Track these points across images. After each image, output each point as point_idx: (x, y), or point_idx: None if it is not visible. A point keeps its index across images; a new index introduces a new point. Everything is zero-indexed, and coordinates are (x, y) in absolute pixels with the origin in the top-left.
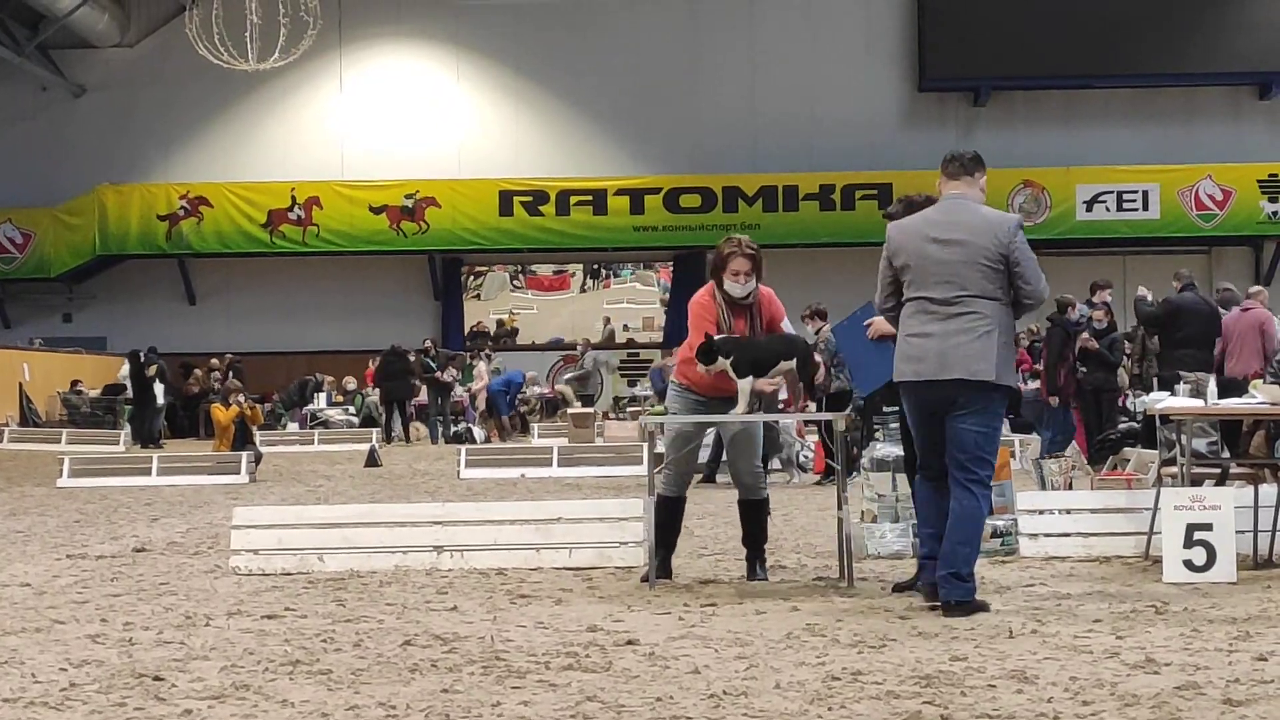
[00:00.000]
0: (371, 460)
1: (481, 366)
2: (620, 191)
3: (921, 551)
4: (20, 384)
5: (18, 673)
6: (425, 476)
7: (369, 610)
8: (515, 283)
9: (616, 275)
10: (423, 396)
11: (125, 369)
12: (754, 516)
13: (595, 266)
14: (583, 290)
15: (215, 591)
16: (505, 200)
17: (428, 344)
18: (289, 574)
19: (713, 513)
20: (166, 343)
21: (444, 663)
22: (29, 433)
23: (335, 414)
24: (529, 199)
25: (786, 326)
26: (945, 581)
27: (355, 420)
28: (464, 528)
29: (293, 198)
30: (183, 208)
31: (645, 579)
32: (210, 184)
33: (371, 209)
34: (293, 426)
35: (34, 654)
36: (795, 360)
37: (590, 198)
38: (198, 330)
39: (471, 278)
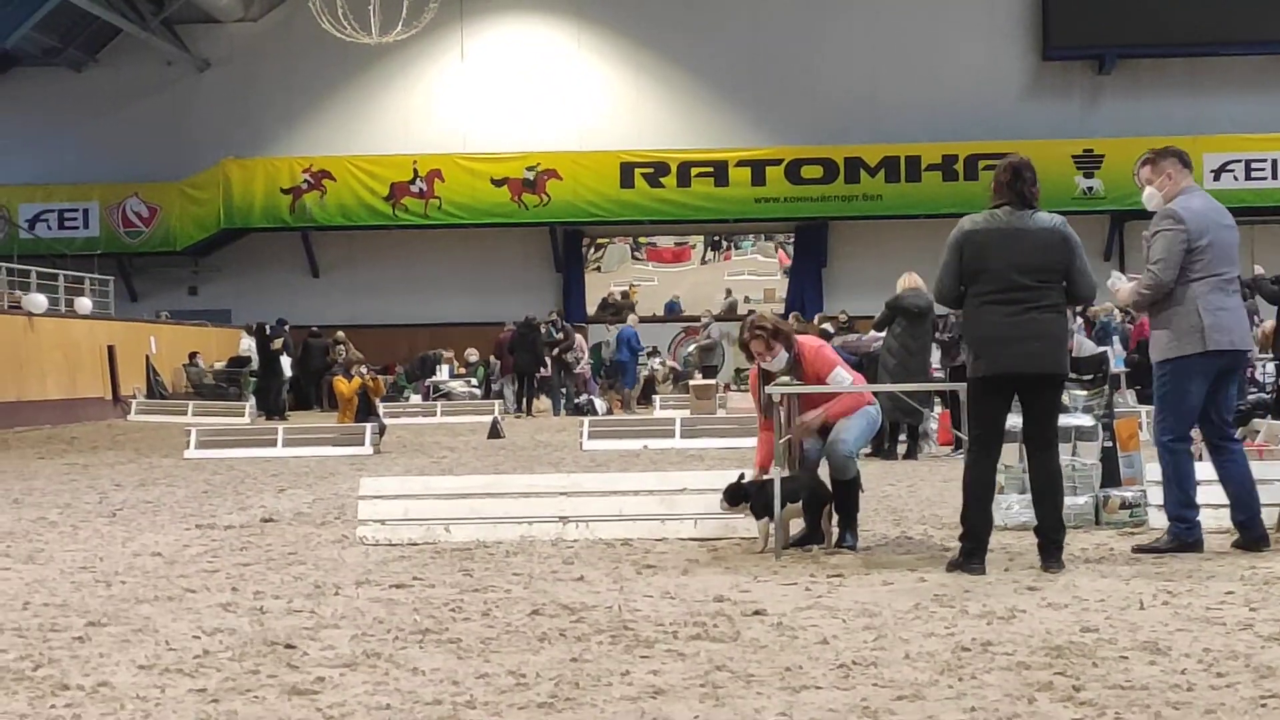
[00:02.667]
0: (494, 432)
1: (580, 339)
2: (741, 163)
3: (1190, 514)
4: (147, 356)
5: (151, 640)
6: (548, 448)
7: (496, 580)
8: (636, 254)
9: (737, 247)
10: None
11: (248, 341)
12: (844, 493)
13: (716, 238)
14: (703, 262)
15: (343, 561)
16: (626, 172)
17: (553, 316)
18: (415, 544)
19: None
20: (289, 315)
21: (572, 632)
22: (156, 405)
23: (458, 386)
24: (650, 170)
25: (837, 376)
26: (1251, 524)
27: (478, 392)
28: (589, 499)
29: (415, 170)
30: (306, 181)
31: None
32: (333, 157)
33: (493, 181)
34: (415, 399)
35: (167, 622)
36: (800, 503)
37: (711, 169)
38: (320, 303)
39: (592, 250)
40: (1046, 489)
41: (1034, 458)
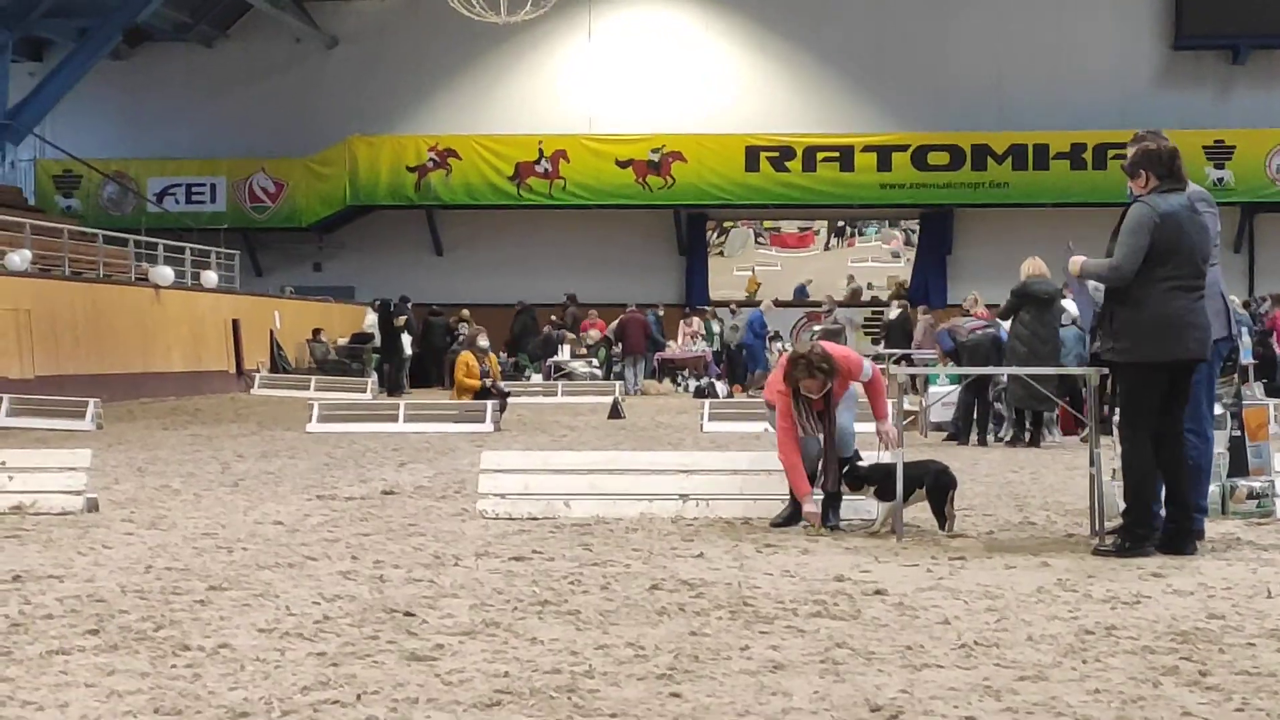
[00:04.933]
0: (615, 412)
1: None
2: (867, 148)
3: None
4: (271, 331)
5: (272, 605)
6: (668, 429)
7: (615, 555)
8: (759, 239)
9: (861, 233)
10: (668, 352)
11: (371, 318)
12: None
13: (840, 224)
14: (826, 248)
15: (463, 534)
16: (751, 155)
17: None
18: (535, 518)
19: (958, 469)
20: (413, 293)
21: (691, 607)
22: (279, 379)
23: (579, 366)
24: (775, 154)
25: (863, 374)
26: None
27: (599, 373)
28: (709, 476)
29: (540, 151)
30: (431, 159)
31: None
32: (458, 136)
33: (618, 163)
34: (537, 378)
35: (287, 588)
36: (925, 488)
37: (837, 154)
38: (444, 281)
39: (715, 234)
40: (1194, 473)
41: (1177, 444)
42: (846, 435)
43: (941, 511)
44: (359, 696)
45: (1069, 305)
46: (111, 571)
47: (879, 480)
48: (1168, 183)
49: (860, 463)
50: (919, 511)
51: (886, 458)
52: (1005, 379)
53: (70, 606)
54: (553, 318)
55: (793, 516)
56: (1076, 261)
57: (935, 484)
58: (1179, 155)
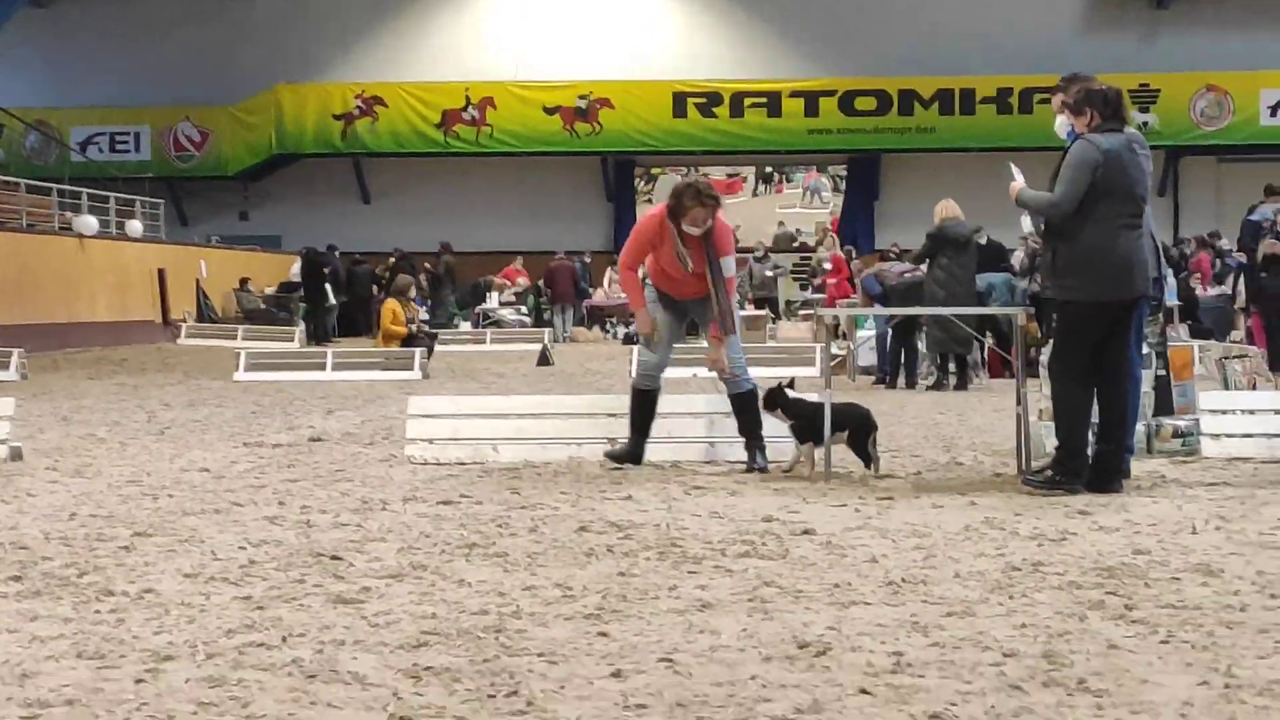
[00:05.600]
0: (544, 359)
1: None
2: (795, 94)
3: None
4: (198, 280)
5: (198, 550)
6: (597, 375)
7: (544, 498)
8: None
9: (789, 180)
10: (597, 299)
11: (297, 267)
12: (744, 408)
13: (768, 170)
14: (754, 194)
15: (390, 479)
16: (679, 102)
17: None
18: (463, 464)
19: (885, 411)
20: (341, 241)
21: (620, 548)
22: (206, 328)
23: (508, 314)
24: (703, 101)
25: (729, 263)
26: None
27: (528, 320)
28: None
29: (467, 98)
30: (358, 107)
31: (613, 456)
32: (385, 84)
33: (545, 110)
34: (465, 326)
35: (213, 533)
36: (848, 432)
37: (765, 100)
38: (371, 229)
39: (643, 181)
40: (1125, 413)
41: (1115, 383)
42: (735, 353)
43: (866, 453)
44: (285, 639)
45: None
46: (35, 519)
47: (797, 417)
48: (1110, 123)
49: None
50: (844, 454)
51: (814, 398)
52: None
53: None
54: (426, 265)
55: (632, 453)
56: (1014, 187)
57: (859, 428)
58: (1123, 96)
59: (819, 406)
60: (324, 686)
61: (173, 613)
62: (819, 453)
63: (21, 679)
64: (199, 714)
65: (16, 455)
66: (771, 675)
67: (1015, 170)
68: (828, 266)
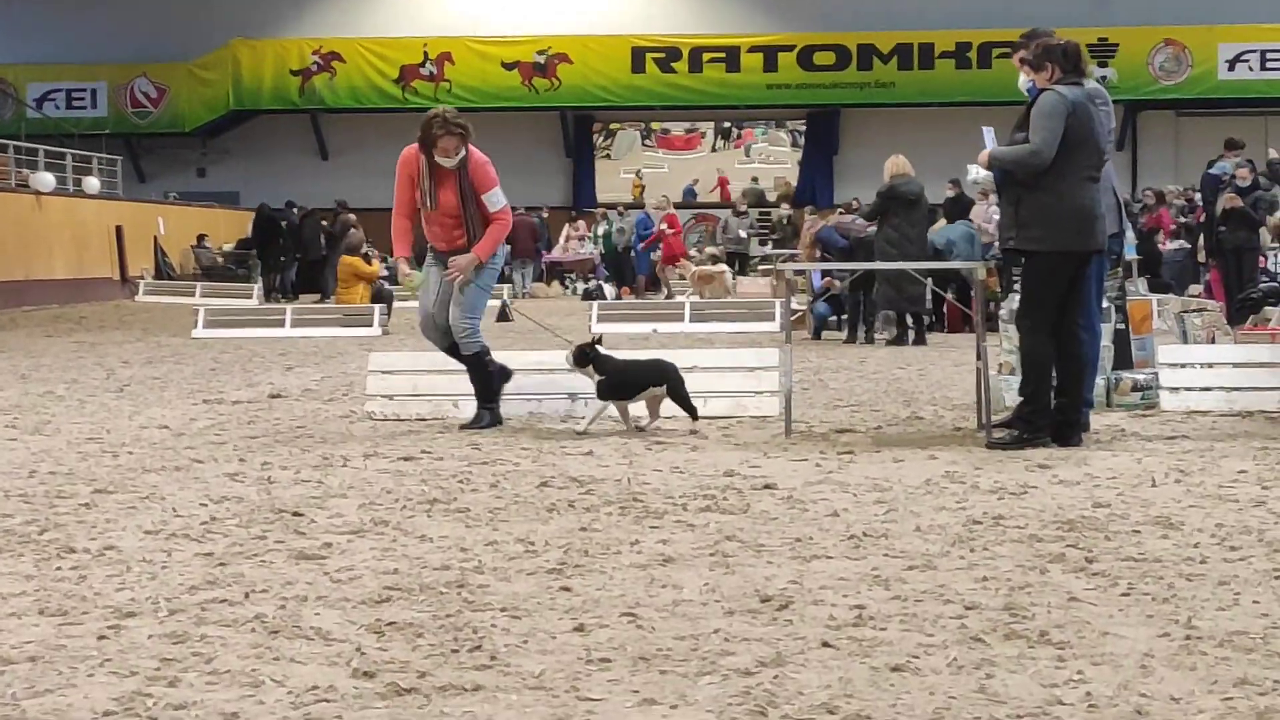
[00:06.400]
0: (503, 315)
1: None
2: (754, 49)
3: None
4: (155, 237)
5: (159, 507)
6: (557, 331)
7: (504, 454)
8: (646, 142)
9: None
10: (555, 254)
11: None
12: (472, 369)
13: (726, 125)
14: (713, 150)
15: (351, 435)
16: (638, 57)
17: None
18: (424, 420)
19: (846, 366)
20: (299, 198)
21: (581, 503)
22: (164, 285)
23: (720, 268)
24: (661, 56)
25: (493, 197)
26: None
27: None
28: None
29: (425, 54)
30: (315, 63)
31: (470, 426)
32: (343, 39)
33: (504, 65)
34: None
35: (173, 490)
36: (665, 386)
37: (723, 55)
38: (330, 186)
39: (602, 136)
40: (1086, 366)
41: (1075, 335)
42: (469, 313)
43: (688, 404)
44: (247, 595)
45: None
46: None
47: (608, 373)
48: (1070, 76)
49: (600, 350)
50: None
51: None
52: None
53: None
54: (324, 222)
55: (491, 420)
56: (985, 154)
57: (675, 381)
58: (1081, 50)
59: (627, 364)
60: (287, 642)
61: (134, 569)
62: (633, 408)
63: None
64: (162, 669)
65: None
66: (734, 629)
67: (987, 135)
68: (802, 220)
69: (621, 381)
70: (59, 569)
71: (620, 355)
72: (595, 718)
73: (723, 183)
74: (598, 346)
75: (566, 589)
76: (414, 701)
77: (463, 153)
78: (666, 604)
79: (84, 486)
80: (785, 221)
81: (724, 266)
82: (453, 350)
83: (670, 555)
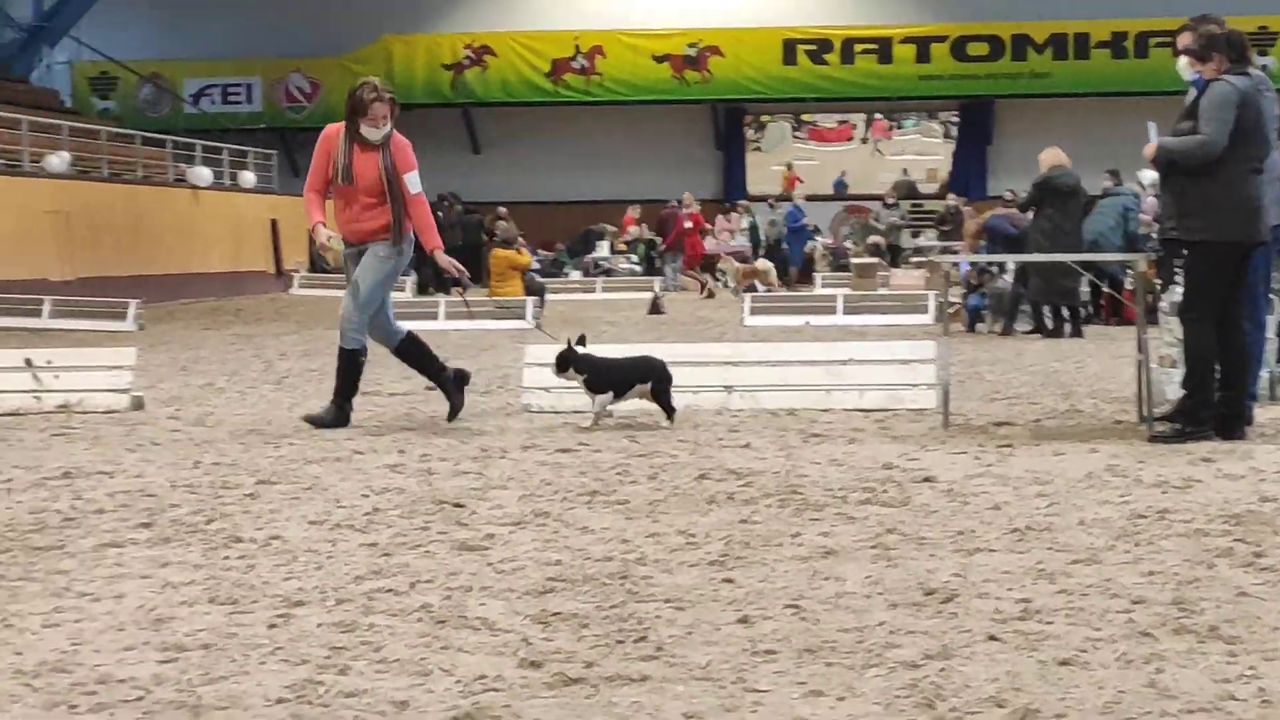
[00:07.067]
0: (655, 308)
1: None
2: (906, 39)
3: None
4: (309, 231)
5: (322, 498)
6: (709, 324)
7: (662, 446)
8: (797, 133)
9: (899, 126)
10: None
11: None
12: (342, 361)
13: (877, 117)
14: (863, 141)
15: (508, 427)
16: (789, 49)
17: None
18: (580, 411)
19: (1003, 359)
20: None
21: (740, 495)
22: (318, 278)
23: (619, 262)
24: (813, 48)
25: (413, 178)
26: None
27: (638, 269)
28: (754, 368)
29: (576, 47)
30: (467, 57)
31: (313, 420)
32: (495, 33)
33: (655, 58)
34: (576, 275)
35: (335, 481)
36: (650, 384)
37: (876, 46)
38: (482, 179)
39: (753, 129)
40: (1250, 359)
41: (1239, 328)
42: (371, 300)
43: (669, 404)
44: (413, 585)
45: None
46: (160, 467)
47: (589, 371)
48: (1238, 66)
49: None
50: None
51: (609, 353)
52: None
53: (121, 501)
54: (474, 215)
55: (337, 418)
56: (1152, 146)
57: (659, 379)
58: (1245, 38)
59: (609, 361)
60: (454, 632)
61: (301, 559)
62: (608, 404)
63: (157, 624)
64: (333, 657)
65: (138, 405)
66: (899, 621)
67: (1152, 130)
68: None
69: (605, 380)
70: (227, 558)
71: (606, 353)
72: (763, 709)
73: (791, 182)
74: (576, 348)
75: (729, 581)
76: (581, 691)
77: (389, 127)
78: (830, 596)
79: (248, 477)
80: (953, 212)
81: (768, 263)
82: (402, 352)
83: (832, 548)
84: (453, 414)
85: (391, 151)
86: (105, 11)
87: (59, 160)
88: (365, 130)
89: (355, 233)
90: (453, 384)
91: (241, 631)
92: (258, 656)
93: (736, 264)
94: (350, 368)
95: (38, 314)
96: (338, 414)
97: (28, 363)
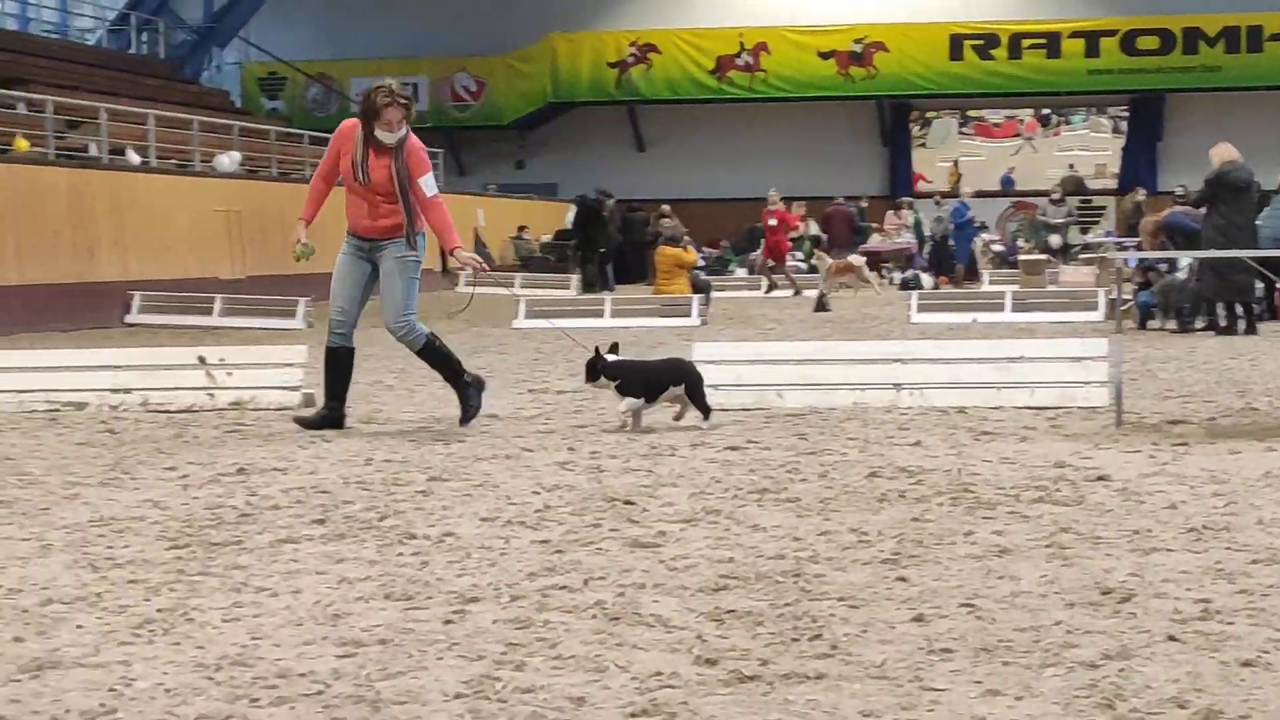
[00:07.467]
0: (820, 305)
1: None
2: (1075, 34)
3: None
4: (475, 229)
5: (493, 495)
6: (875, 321)
7: (831, 444)
8: (963, 130)
9: (1068, 122)
10: (872, 244)
11: (571, 214)
12: (429, 360)
13: (1045, 112)
14: (1029, 137)
15: (676, 425)
16: (955, 44)
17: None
18: (748, 409)
19: (1175, 357)
20: (615, 189)
21: (911, 493)
22: (484, 276)
23: (855, 259)
24: (980, 43)
25: (428, 181)
26: None
27: (804, 266)
28: (923, 366)
29: (741, 43)
30: (632, 54)
31: (304, 421)
32: (659, 30)
33: (820, 54)
34: (740, 272)
35: (506, 478)
36: (684, 386)
37: (1044, 41)
38: (646, 177)
39: (919, 125)
40: None
41: None
42: (410, 301)
43: (703, 405)
44: (586, 582)
45: None
46: (332, 464)
47: (619, 377)
48: None
49: (611, 356)
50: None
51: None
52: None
53: (295, 498)
54: (637, 211)
55: (328, 418)
56: None
57: (693, 381)
58: None
59: (639, 365)
60: (628, 628)
61: (474, 555)
62: (636, 408)
63: (334, 619)
64: (508, 654)
65: (309, 402)
66: (1076, 621)
67: None
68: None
69: (637, 383)
70: (401, 554)
71: (636, 358)
72: (940, 708)
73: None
74: (606, 356)
75: (903, 579)
76: (757, 689)
77: (404, 130)
78: (1005, 595)
79: (419, 474)
80: (1136, 208)
81: (861, 259)
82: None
83: (1006, 546)
84: (466, 419)
85: (405, 155)
86: (273, 13)
87: (229, 160)
88: (379, 134)
89: (369, 229)
90: (470, 389)
91: (417, 627)
92: (434, 652)
93: (829, 260)
94: (436, 355)
95: (209, 312)
96: (475, 395)
97: (201, 360)
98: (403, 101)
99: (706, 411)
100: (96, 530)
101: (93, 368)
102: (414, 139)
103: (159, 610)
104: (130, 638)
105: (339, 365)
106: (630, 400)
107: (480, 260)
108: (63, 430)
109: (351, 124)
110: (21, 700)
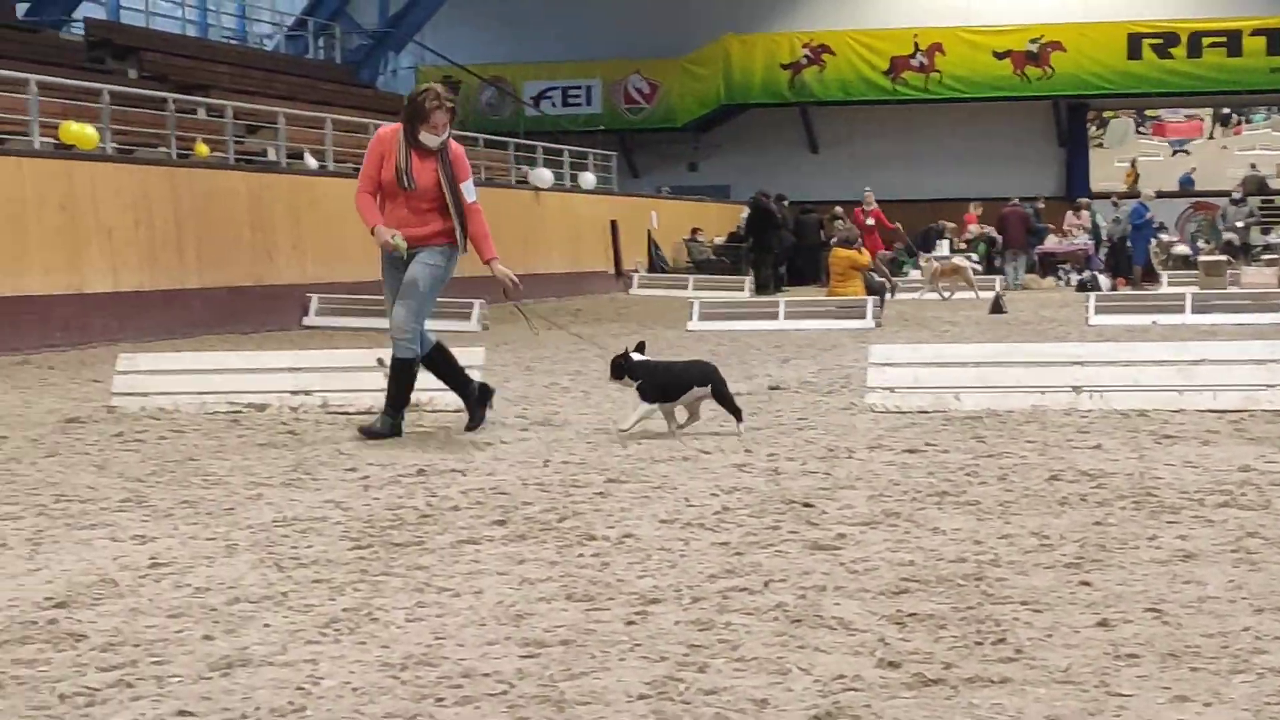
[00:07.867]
0: (996, 307)
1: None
2: (1257, 31)
3: None
4: (649, 231)
5: (671, 497)
6: (1053, 323)
7: (1010, 447)
8: (1140, 129)
9: (1249, 121)
10: (1049, 245)
11: (745, 216)
12: (395, 372)
13: (1225, 112)
14: (1210, 137)
15: (853, 427)
16: (1134, 43)
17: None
18: (925, 412)
19: None
20: (789, 191)
21: (1093, 497)
22: (658, 279)
23: (959, 261)
24: (1159, 41)
25: (470, 186)
26: None
27: (979, 267)
28: (1104, 368)
29: (915, 44)
30: (805, 56)
31: (366, 430)
32: (833, 32)
33: (995, 54)
34: (916, 274)
35: (684, 480)
36: (710, 387)
37: (1224, 39)
38: (819, 179)
39: (1095, 125)
40: None
41: None
42: (426, 307)
43: (733, 406)
44: (766, 584)
45: None
46: (511, 465)
47: (642, 379)
48: None
49: (637, 356)
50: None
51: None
52: None
53: (475, 499)
54: (814, 214)
55: (392, 428)
56: None
57: (718, 383)
58: None
59: (666, 367)
60: (810, 631)
61: (654, 557)
62: (678, 410)
63: (517, 619)
64: (691, 655)
65: (485, 400)
66: (1265, 627)
67: None
68: None
69: (661, 384)
70: (581, 555)
71: (662, 359)
72: (1127, 713)
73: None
74: (632, 355)
75: (1086, 583)
76: (941, 693)
77: (448, 133)
78: (1191, 600)
79: (597, 476)
80: None
81: (964, 261)
82: (430, 362)
83: (1191, 551)
84: (472, 427)
85: (450, 158)
86: (448, 17)
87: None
88: (424, 137)
89: (409, 237)
90: (476, 399)
91: (599, 628)
92: (617, 653)
93: (935, 263)
94: (404, 377)
95: (384, 315)
96: (391, 425)
97: (380, 363)
98: (450, 105)
99: (738, 414)
100: (281, 530)
101: (273, 370)
102: (455, 143)
103: (344, 610)
104: (317, 637)
105: (407, 377)
106: (645, 406)
107: (515, 277)
108: (245, 431)
109: (389, 131)
110: (212, 697)
